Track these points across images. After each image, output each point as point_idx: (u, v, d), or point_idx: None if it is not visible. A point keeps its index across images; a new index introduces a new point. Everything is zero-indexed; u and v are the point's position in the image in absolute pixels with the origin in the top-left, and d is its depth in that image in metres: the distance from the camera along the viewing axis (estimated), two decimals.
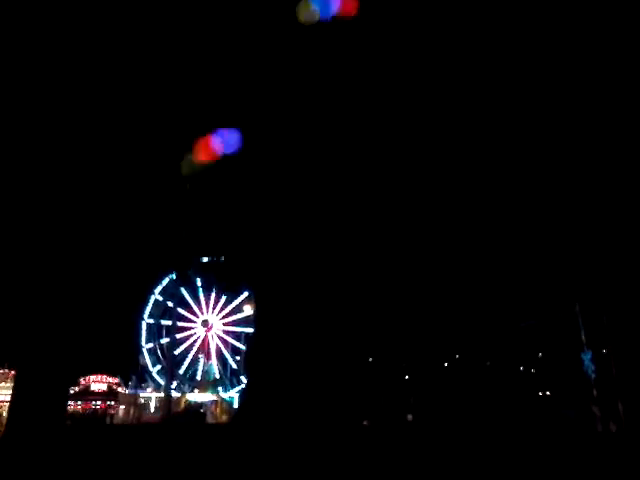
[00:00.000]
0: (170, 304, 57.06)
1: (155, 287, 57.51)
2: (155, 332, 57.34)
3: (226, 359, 57.73)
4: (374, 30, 21.65)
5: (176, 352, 54.92)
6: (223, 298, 58.85)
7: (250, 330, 57.07)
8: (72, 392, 53.30)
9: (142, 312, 56.97)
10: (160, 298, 57.43)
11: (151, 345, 56.32)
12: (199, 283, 58.91)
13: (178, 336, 55.82)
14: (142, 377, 56.12)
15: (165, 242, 44.87)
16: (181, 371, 56.51)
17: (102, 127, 23.08)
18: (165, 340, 56.57)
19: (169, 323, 56.23)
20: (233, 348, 58.18)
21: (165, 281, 57.73)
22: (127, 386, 57.32)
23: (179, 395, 53.30)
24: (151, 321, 57.11)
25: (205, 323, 58.39)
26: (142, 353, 55.96)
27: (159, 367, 55.79)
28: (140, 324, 56.66)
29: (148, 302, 57.29)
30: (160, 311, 57.84)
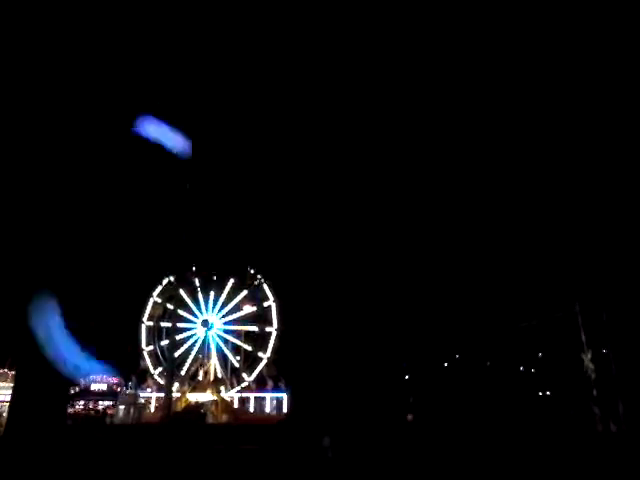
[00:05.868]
0: (169, 306, 57.10)
1: (154, 289, 57.44)
2: (155, 334, 57.27)
3: (227, 358, 57.64)
4: (374, 30, 21.65)
5: (176, 353, 54.82)
6: (222, 297, 58.72)
7: (250, 328, 57.43)
8: (72, 392, 53.19)
9: (142, 314, 56.88)
10: (159, 300, 57.35)
11: (151, 347, 56.20)
12: (198, 283, 58.77)
13: (178, 337, 55.78)
14: (142, 377, 56.05)
15: (164, 244, 44.92)
16: (182, 372, 56.37)
17: (103, 132, 23.10)
18: (165, 342, 56.50)
19: (169, 325, 56.25)
20: (234, 347, 58.12)
21: (164, 282, 57.64)
22: (127, 386, 57.24)
23: (179, 395, 53.24)
24: (150, 323, 57.00)
25: (205, 323, 58.24)
26: (143, 356, 55.84)
27: (160, 369, 55.65)
28: (140, 327, 56.58)
29: (147, 304, 57.25)
30: (159, 313, 57.81)
